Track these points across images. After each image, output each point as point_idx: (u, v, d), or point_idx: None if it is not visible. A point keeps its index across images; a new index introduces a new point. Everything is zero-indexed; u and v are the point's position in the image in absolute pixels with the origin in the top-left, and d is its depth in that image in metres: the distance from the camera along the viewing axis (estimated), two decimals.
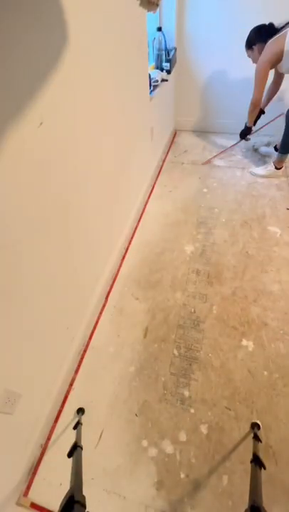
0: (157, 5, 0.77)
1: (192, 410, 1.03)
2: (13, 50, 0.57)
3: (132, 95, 1.41)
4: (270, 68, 1.66)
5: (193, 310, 1.33)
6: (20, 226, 0.70)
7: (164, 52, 1.97)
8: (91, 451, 0.96)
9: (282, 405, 1.02)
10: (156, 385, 1.10)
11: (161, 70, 2.00)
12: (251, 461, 0.67)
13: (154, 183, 2.15)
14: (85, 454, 0.71)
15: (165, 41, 1.93)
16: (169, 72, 2.03)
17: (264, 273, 1.46)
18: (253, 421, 0.99)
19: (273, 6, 1.93)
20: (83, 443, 0.74)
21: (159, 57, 1.98)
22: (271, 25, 1.63)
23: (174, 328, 1.27)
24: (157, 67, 2.01)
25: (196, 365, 1.14)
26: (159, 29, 1.88)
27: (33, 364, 0.89)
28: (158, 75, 1.87)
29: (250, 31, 1.70)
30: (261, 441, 0.83)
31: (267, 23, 1.65)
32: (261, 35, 1.65)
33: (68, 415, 1.05)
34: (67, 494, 0.52)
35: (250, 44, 1.71)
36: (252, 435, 0.89)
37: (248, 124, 2.00)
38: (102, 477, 0.91)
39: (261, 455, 0.70)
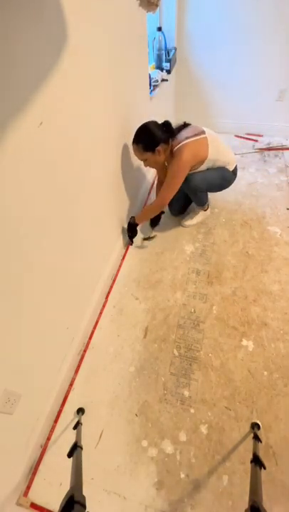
0: (157, 5, 0.77)
1: (192, 410, 1.03)
2: (13, 50, 0.57)
3: (132, 95, 1.41)
4: None
5: (193, 310, 1.33)
6: (20, 226, 0.71)
7: (164, 52, 1.97)
8: (91, 451, 0.96)
9: (282, 405, 1.02)
10: (156, 385, 1.10)
11: (161, 70, 2.00)
12: (251, 461, 0.67)
13: (154, 182, 2.15)
14: (85, 454, 0.71)
15: (165, 41, 1.93)
16: (169, 72, 2.04)
17: (264, 273, 1.45)
18: (253, 421, 0.99)
19: (273, 4, 1.93)
20: (83, 443, 0.74)
21: (159, 57, 1.98)
22: (168, 124, 1.36)
23: (174, 328, 1.27)
24: (157, 67, 2.02)
25: (196, 365, 1.14)
26: (159, 29, 1.88)
27: (33, 364, 0.89)
28: (158, 74, 1.87)
29: (147, 129, 1.30)
30: (261, 441, 0.83)
31: (161, 121, 1.37)
32: (164, 134, 1.33)
33: (68, 415, 1.05)
34: (67, 494, 0.52)
35: (153, 145, 1.31)
36: (252, 435, 0.88)
37: (136, 221, 1.56)
38: (102, 477, 0.91)
39: (261, 455, 0.70)
